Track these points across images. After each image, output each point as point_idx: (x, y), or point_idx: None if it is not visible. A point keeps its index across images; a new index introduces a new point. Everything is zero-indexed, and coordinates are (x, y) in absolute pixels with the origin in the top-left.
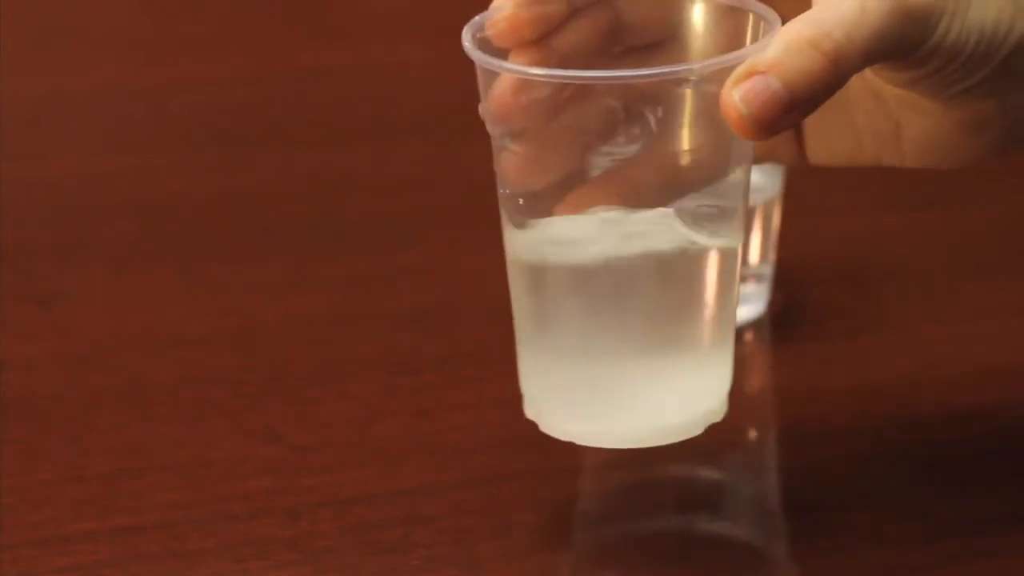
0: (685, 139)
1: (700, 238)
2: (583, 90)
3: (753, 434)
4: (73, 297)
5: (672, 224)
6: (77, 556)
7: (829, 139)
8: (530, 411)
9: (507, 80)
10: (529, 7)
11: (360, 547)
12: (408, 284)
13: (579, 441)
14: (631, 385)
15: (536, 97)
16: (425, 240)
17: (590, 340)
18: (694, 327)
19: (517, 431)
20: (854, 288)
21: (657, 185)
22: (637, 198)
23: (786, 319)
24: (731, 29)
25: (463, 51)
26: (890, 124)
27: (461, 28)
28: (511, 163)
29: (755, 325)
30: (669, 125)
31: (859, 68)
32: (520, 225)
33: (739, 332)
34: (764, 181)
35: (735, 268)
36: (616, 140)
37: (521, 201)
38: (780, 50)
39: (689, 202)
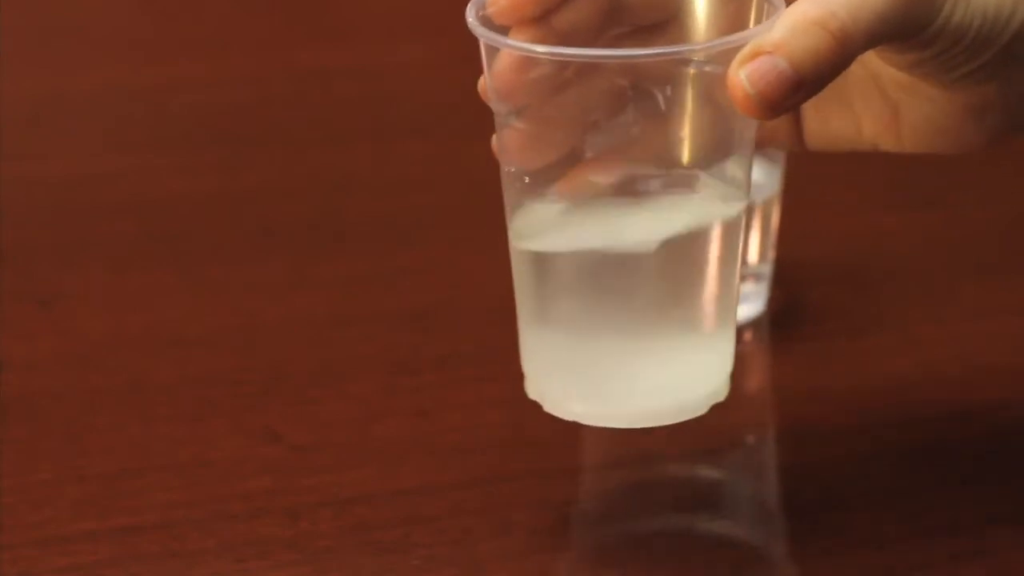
0: (689, 119)
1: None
2: (585, 69)
3: (752, 434)
4: (73, 297)
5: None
6: (77, 556)
7: (828, 124)
8: (532, 391)
9: (508, 57)
10: None
11: (360, 547)
12: (408, 284)
13: (584, 421)
14: (635, 365)
15: (538, 74)
16: (425, 240)
17: (594, 320)
18: (698, 307)
19: (517, 431)
20: (854, 288)
21: (659, 163)
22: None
23: (785, 318)
24: (734, 10)
25: (463, 51)
26: (889, 109)
27: (461, 28)
28: (513, 140)
29: (754, 324)
30: (675, 105)
31: (865, 48)
32: (523, 206)
33: (738, 331)
34: (763, 180)
35: (737, 248)
36: (620, 119)
37: (527, 179)
38: (786, 30)
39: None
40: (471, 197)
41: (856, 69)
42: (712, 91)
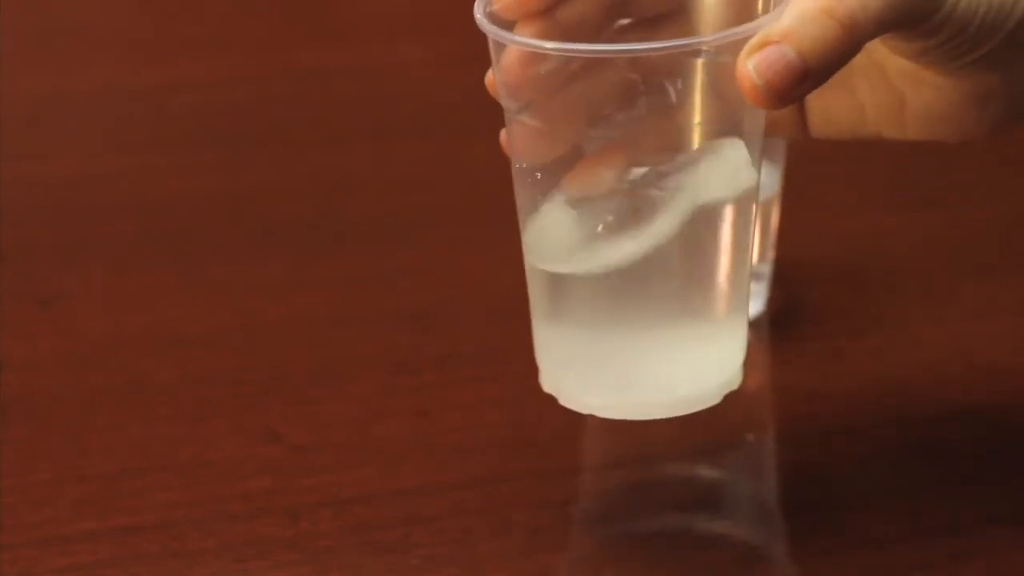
0: (698, 110)
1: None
2: (592, 63)
3: (752, 434)
4: (73, 297)
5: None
6: (77, 556)
7: (831, 112)
8: (548, 385)
9: (515, 52)
10: None
11: (360, 547)
12: (408, 284)
13: (600, 414)
14: (649, 357)
15: (545, 70)
16: (425, 240)
17: (607, 313)
18: (711, 296)
19: (517, 431)
20: (853, 287)
21: (669, 154)
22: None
23: (785, 318)
24: (740, 1)
25: (463, 51)
26: (893, 97)
27: (461, 28)
28: (522, 135)
29: (754, 324)
30: (684, 96)
31: (873, 36)
32: (536, 210)
33: None
34: (762, 180)
35: (748, 233)
36: (628, 112)
37: (538, 175)
38: (795, 19)
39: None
40: (471, 197)
41: (861, 57)
42: (721, 81)
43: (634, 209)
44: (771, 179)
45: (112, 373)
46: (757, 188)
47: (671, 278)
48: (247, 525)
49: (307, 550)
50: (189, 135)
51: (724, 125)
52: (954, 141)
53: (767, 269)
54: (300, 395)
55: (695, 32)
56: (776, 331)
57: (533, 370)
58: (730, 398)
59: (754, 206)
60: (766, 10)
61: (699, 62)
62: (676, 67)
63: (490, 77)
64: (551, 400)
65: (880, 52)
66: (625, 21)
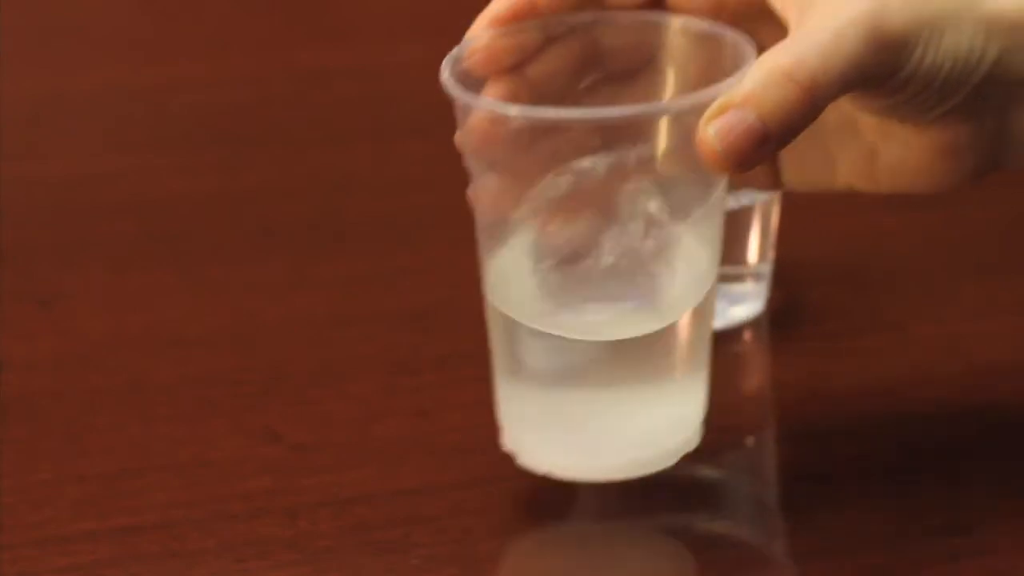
0: (661, 170)
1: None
2: (558, 124)
3: (752, 434)
4: (73, 297)
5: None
6: (77, 556)
7: (803, 166)
8: (508, 443)
9: (482, 113)
10: (505, 36)
11: (360, 547)
12: (408, 284)
13: (557, 474)
14: (607, 418)
15: (511, 129)
16: (425, 240)
17: (565, 374)
18: (668, 358)
19: None
20: (853, 288)
21: (632, 214)
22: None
23: (785, 318)
24: (708, 56)
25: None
26: (864, 151)
27: (461, 28)
28: (487, 192)
29: (753, 324)
30: (646, 157)
31: (835, 97)
32: (497, 256)
33: (737, 331)
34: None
35: (711, 298)
36: (592, 170)
37: (501, 228)
38: (756, 82)
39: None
40: None
41: (832, 113)
42: (687, 140)
43: (600, 278)
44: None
45: (112, 373)
46: (716, 272)
47: (630, 339)
48: (247, 525)
49: (307, 550)
50: (189, 135)
51: (690, 185)
52: (928, 193)
53: (767, 269)
54: (300, 395)
55: (665, 86)
56: (776, 331)
57: None
58: (730, 398)
59: (715, 274)
60: (733, 66)
61: (664, 122)
62: (640, 128)
63: (459, 137)
64: None
65: (851, 107)
66: (595, 76)
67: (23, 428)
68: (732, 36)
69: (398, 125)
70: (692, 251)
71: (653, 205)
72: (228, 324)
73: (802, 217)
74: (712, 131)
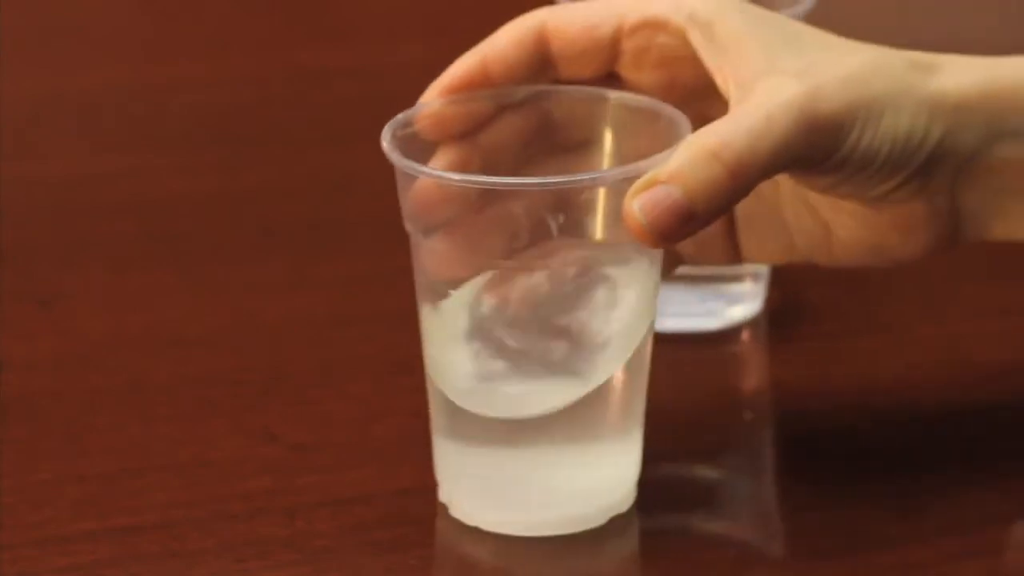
0: (596, 239)
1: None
2: (499, 192)
3: (750, 433)
4: (73, 297)
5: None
6: (77, 556)
7: (761, 240)
8: (443, 496)
9: (423, 182)
10: (456, 104)
11: (359, 547)
12: (408, 284)
13: (487, 528)
14: (539, 477)
15: (454, 196)
16: None
17: (498, 432)
18: (598, 418)
19: None
20: (852, 287)
21: (568, 282)
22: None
23: (783, 318)
24: (646, 130)
25: (463, 51)
26: (819, 226)
27: (461, 28)
28: (430, 257)
29: (752, 324)
30: (588, 224)
31: (763, 178)
32: (433, 316)
33: (736, 331)
34: None
35: (643, 361)
36: (529, 240)
37: (440, 289)
38: (682, 160)
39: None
40: None
41: (787, 187)
42: (610, 212)
43: (537, 356)
44: None
45: (112, 373)
46: (653, 322)
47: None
48: (247, 525)
49: (306, 550)
50: (189, 135)
51: (629, 251)
52: (884, 267)
53: (765, 270)
54: (300, 395)
55: (607, 157)
56: (774, 331)
57: None
58: (729, 398)
59: (651, 340)
60: (669, 139)
61: (602, 192)
62: (578, 198)
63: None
64: None
65: (795, 183)
66: (546, 147)
67: (23, 428)
68: (668, 111)
69: None
70: (624, 305)
71: (580, 257)
72: (228, 324)
73: None
74: (637, 205)
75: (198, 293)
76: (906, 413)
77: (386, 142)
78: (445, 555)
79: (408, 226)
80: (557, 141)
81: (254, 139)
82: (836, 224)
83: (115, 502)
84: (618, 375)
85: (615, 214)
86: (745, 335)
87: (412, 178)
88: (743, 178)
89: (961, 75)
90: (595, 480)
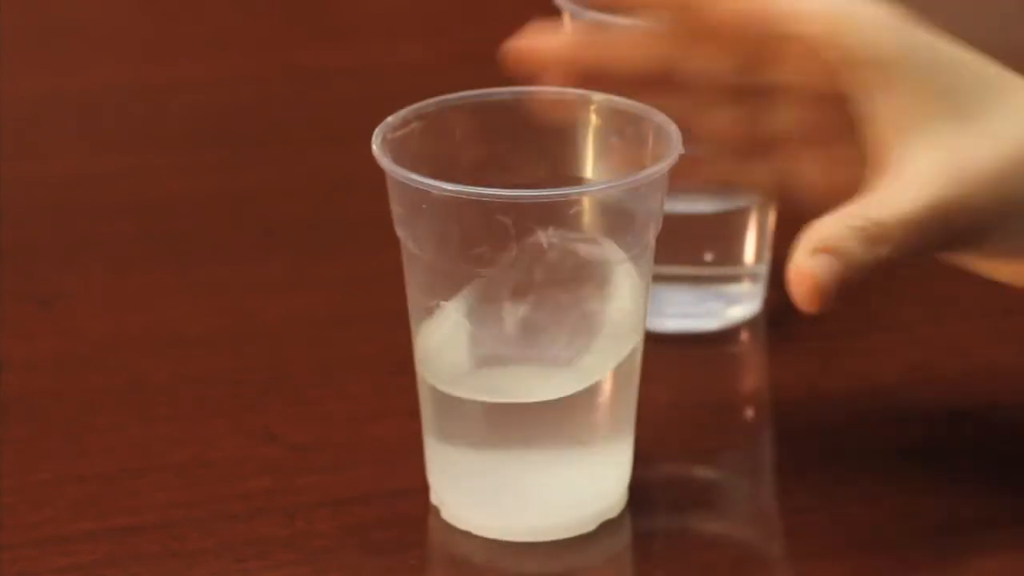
0: (586, 245)
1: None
2: (470, 203)
3: (749, 434)
4: (73, 297)
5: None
6: (77, 556)
7: None
8: (434, 498)
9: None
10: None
11: (358, 547)
12: None
13: (477, 532)
14: (527, 481)
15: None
16: None
17: (489, 435)
18: (589, 421)
19: None
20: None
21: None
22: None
23: (782, 319)
24: (638, 135)
25: (463, 51)
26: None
27: (461, 28)
28: (412, 262)
29: (751, 324)
30: (567, 235)
31: (907, 259)
32: (423, 321)
33: (735, 331)
34: None
35: (634, 366)
36: (510, 248)
37: (430, 299)
38: (844, 236)
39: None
40: None
41: None
42: (606, 219)
43: (531, 351)
44: None
45: (112, 373)
46: (640, 335)
47: (553, 405)
48: (247, 525)
49: (305, 549)
50: (189, 135)
51: (617, 255)
52: None
53: (764, 270)
54: (300, 395)
55: (597, 164)
56: (773, 331)
57: None
58: (728, 398)
59: (641, 348)
60: (656, 147)
61: (591, 201)
62: (568, 209)
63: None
64: None
65: None
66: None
67: (23, 428)
68: (654, 115)
69: None
70: (614, 311)
71: (579, 253)
72: (228, 324)
73: (799, 218)
74: (812, 264)
75: (198, 293)
76: (905, 413)
77: (376, 146)
78: (445, 555)
79: (399, 231)
80: (543, 143)
81: (254, 139)
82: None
83: (115, 502)
84: (608, 378)
85: (605, 221)
86: (744, 335)
87: (402, 183)
88: (886, 263)
89: None
90: (585, 486)
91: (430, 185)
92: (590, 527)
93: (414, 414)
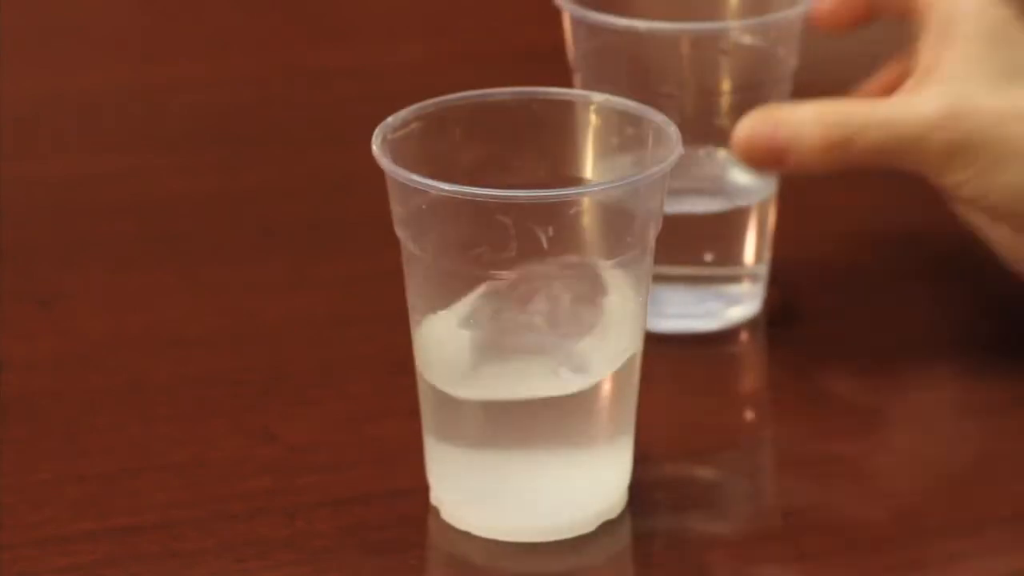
0: (586, 246)
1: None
2: (466, 203)
3: (749, 434)
4: (73, 297)
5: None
6: (77, 556)
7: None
8: (434, 498)
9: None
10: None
11: (358, 547)
12: None
13: (477, 532)
14: (527, 481)
15: (426, 203)
16: None
17: (488, 435)
18: (590, 421)
19: None
20: (850, 288)
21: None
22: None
23: (782, 319)
24: (637, 135)
25: (463, 51)
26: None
27: (461, 28)
28: (413, 263)
29: (750, 325)
30: (567, 236)
31: (859, 165)
32: (421, 322)
33: (735, 331)
34: (759, 179)
35: (634, 366)
36: (511, 248)
37: (429, 300)
38: (805, 110)
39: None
40: None
41: None
42: (606, 220)
43: (532, 350)
44: (768, 179)
45: (112, 373)
46: (640, 338)
47: (553, 404)
48: (247, 525)
49: (305, 550)
50: (189, 135)
51: (608, 260)
52: None
53: (764, 270)
54: (299, 395)
55: (596, 164)
56: (772, 331)
57: None
58: (727, 398)
59: (640, 353)
60: (655, 146)
61: (591, 202)
62: (567, 210)
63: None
64: None
65: None
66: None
67: (23, 428)
68: (653, 115)
69: None
70: (614, 311)
71: (575, 259)
72: (228, 324)
73: (798, 218)
74: (747, 124)
75: (198, 293)
76: (905, 412)
77: (376, 146)
78: (444, 556)
79: (399, 232)
80: (542, 143)
81: (254, 139)
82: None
83: (115, 502)
84: (608, 379)
85: (605, 221)
86: (744, 335)
87: (402, 183)
88: (837, 155)
89: None
90: (585, 486)
91: (429, 185)
92: (590, 527)
93: (414, 414)
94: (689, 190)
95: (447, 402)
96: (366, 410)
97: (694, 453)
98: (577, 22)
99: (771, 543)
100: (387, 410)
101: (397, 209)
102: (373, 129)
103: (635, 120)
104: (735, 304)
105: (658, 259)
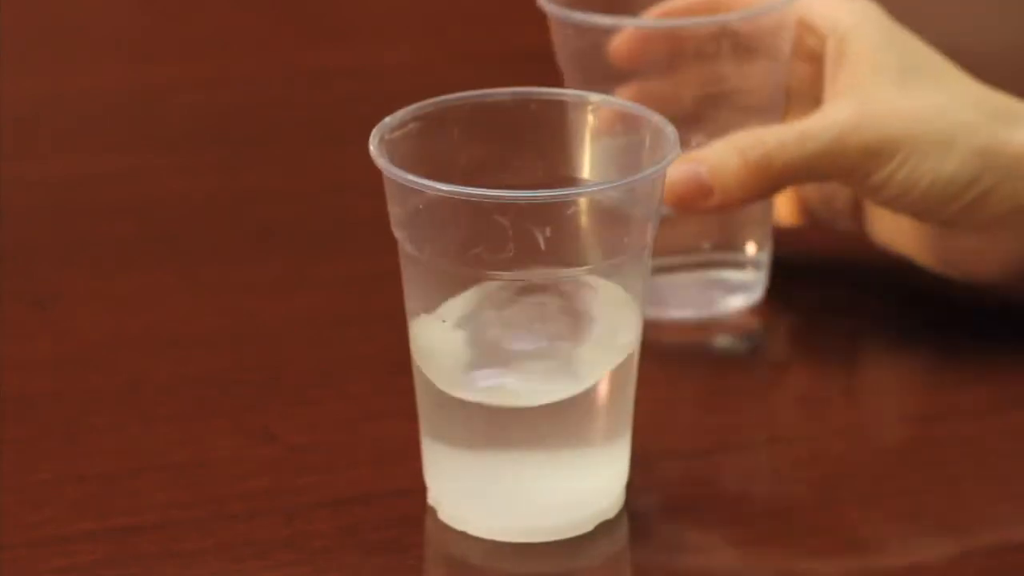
0: (584, 246)
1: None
2: (465, 203)
3: (747, 433)
4: (72, 297)
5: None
6: (76, 556)
7: (882, 227)
8: (431, 498)
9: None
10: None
11: (357, 547)
12: None
13: (475, 533)
14: (524, 482)
15: (424, 205)
16: None
17: (484, 439)
18: (586, 423)
19: None
20: (851, 283)
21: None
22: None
23: (782, 315)
24: (636, 136)
25: (462, 51)
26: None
27: (460, 28)
28: (409, 265)
29: (750, 323)
30: (565, 237)
31: (785, 183)
32: (419, 318)
33: (735, 331)
34: None
35: (632, 366)
36: (509, 249)
37: (426, 302)
38: (718, 146)
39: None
40: None
41: None
42: (602, 218)
43: (530, 351)
44: None
45: (111, 373)
46: (637, 339)
47: (550, 405)
48: (246, 525)
49: (304, 550)
50: (189, 135)
51: (605, 260)
52: (965, 280)
53: (766, 259)
54: (299, 395)
55: (593, 164)
56: (773, 331)
57: None
58: (726, 397)
59: (637, 353)
60: (652, 151)
61: (588, 202)
62: (564, 210)
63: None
64: None
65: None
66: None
67: (23, 428)
68: (651, 116)
69: None
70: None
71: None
72: (227, 324)
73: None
74: (672, 169)
75: (198, 293)
76: (905, 412)
77: (374, 146)
78: (443, 556)
79: (397, 232)
80: (540, 144)
81: (254, 139)
82: (926, 235)
83: (114, 502)
84: (605, 380)
85: (603, 221)
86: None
87: (399, 183)
88: (761, 177)
89: None
90: (583, 486)
91: (427, 186)
92: (587, 528)
93: (413, 414)
94: None
95: (444, 403)
96: (366, 410)
97: (693, 453)
98: (562, 24)
99: (769, 544)
100: (386, 410)
101: (395, 209)
102: (372, 129)
103: (633, 120)
104: (737, 292)
105: (659, 249)
